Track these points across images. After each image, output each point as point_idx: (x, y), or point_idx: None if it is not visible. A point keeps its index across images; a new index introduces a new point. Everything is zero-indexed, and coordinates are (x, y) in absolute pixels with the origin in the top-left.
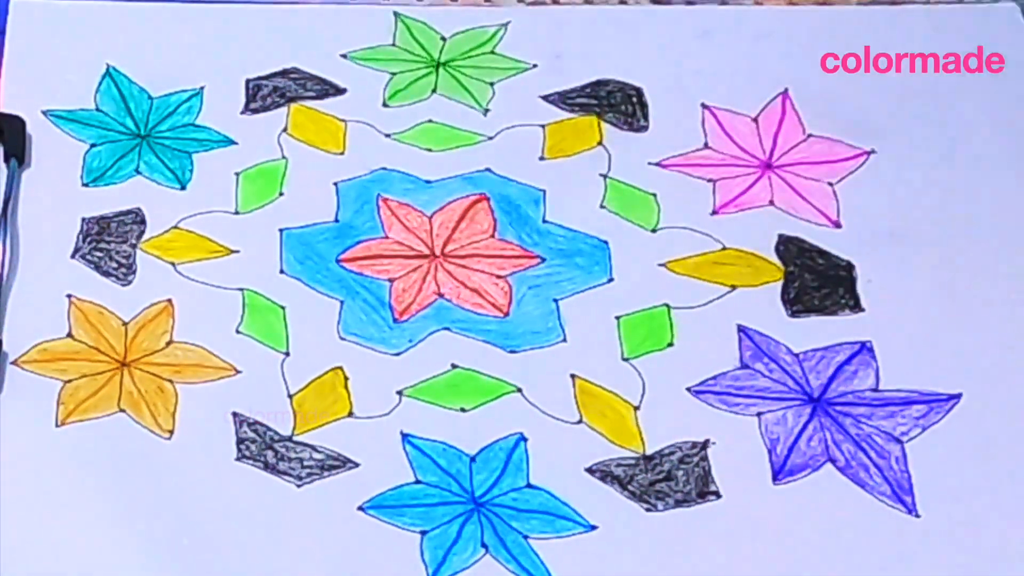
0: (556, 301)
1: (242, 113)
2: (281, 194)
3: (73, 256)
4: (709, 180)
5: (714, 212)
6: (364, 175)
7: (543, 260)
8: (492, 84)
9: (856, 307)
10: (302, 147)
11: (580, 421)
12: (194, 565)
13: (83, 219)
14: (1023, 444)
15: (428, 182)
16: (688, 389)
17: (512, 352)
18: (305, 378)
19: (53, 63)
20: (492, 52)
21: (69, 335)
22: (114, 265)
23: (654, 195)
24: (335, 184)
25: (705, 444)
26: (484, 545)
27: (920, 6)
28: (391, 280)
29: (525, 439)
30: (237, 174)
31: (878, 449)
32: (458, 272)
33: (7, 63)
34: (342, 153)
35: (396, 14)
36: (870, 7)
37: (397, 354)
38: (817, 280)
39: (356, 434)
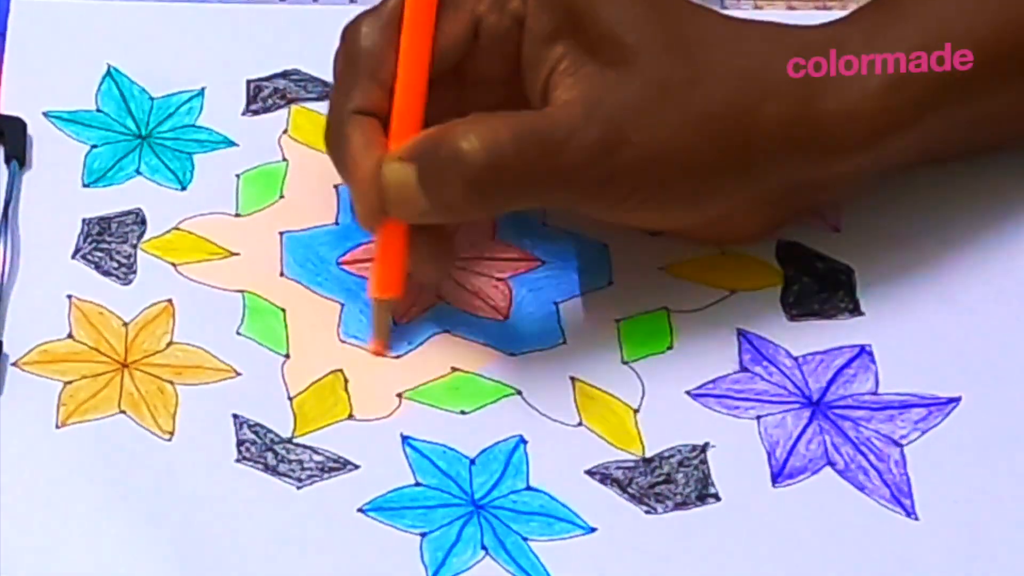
0: (556, 304)
1: (243, 114)
2: (282, 196)
3: (74, 256)
4: None
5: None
6: None
7: (543, 263)
8: None
9: (855, 311)
10: (303, 149)
11: (580, 424)
12: (194, 566)
13: (84, 220)
14: (1022, 447)
15: None
16: (688, 392)
17: (512, 355)
18: (305, 380)
19: (54, 64)
20: None
21: (70, 336)
22: (115, 265)
23: None
24: (335, 187)
25: (705, 447)
26: (484, 547)
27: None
28: None
29: (525, 441)
30: (238, 176)
31: (877, 452)
32: (458, 275)
33: (7, 64)
34: None
35: None
36: None
37: (397, 357)
38: (816, 284)
39: (356, 436)
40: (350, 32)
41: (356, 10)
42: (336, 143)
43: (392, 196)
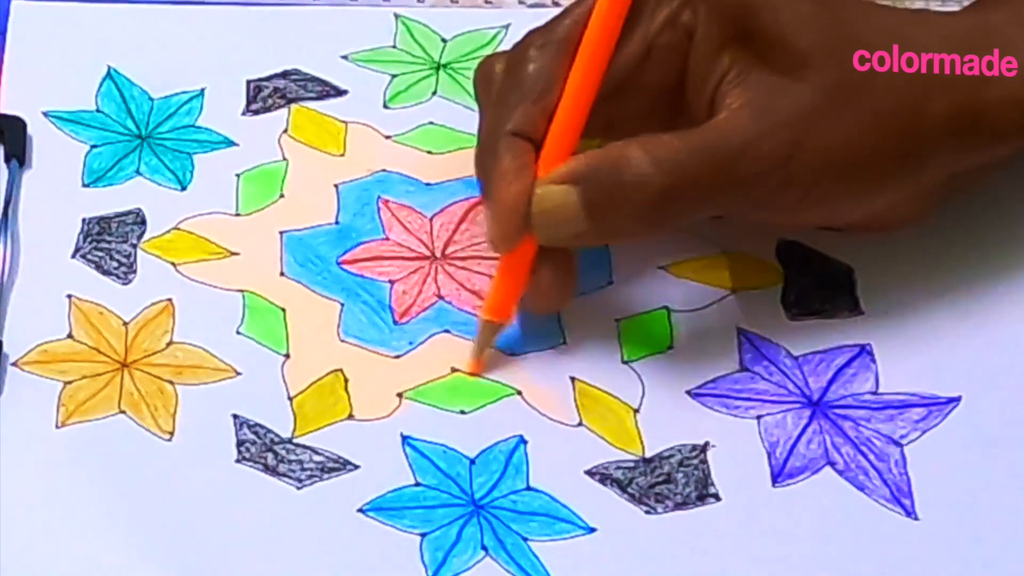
0: None
1: (243, 114)
2: (282, 196)
3: (74, 256)
4: None
5: (714, 216)
6: (364, 177)
7: None
8: None
9: (855, 310)
10: (303, 149)
11: (580, 423)
12: (194, 566)
13: (84, 220)
14: (1022, 446)
15: (428, 185)
16: (688, 392)
17: (512, 355)
18: (305, 380)
19: (54, 64)
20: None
21: (70, 336)
22: (115, 264)
23: None
24: (335, 186)
25: (705, 447)
26: (484, 547)
27: (922, 5)
28: (391, 282)
29: (525, 441)
30: (238, 175)
31: (877, 452)
32: (458, 274)
33: (8, 64)
34: (342, 155)
35: (397, 16)
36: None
37: (397, 356)
38: (817, 283)
39: (356, 436)
40: (518, 53)
41: (356, 10)
42: (485, 162)
43: (546, 219)
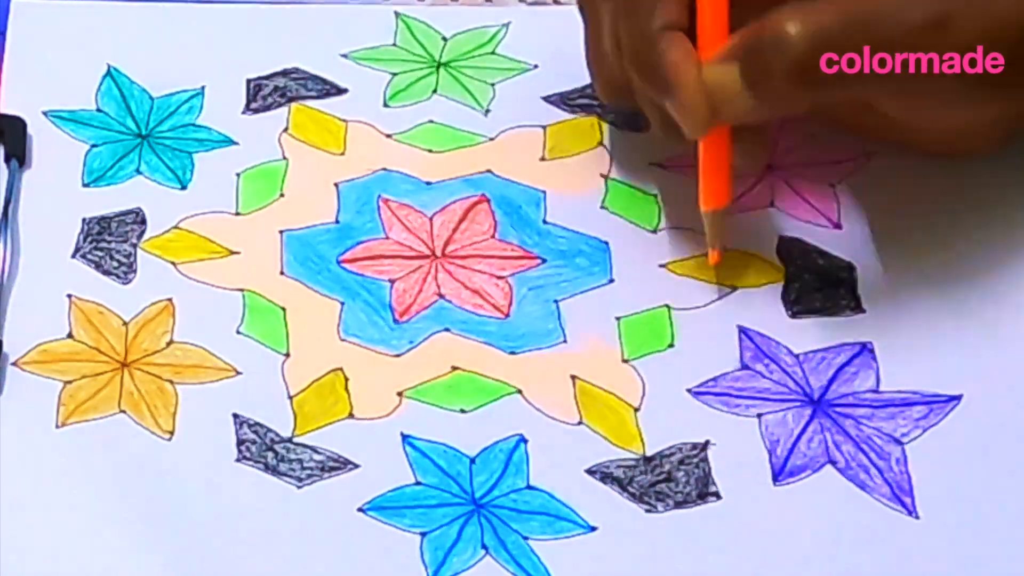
0: (556, 302)
1: (243, 113)
2: (282, 195)
3: (74, 256)
4: None
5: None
6: (365, 176)
7: (544, 261)
8: (493, 85)
9: (857, 308)
10: (303, 147)
11: (580, 422)
12: (194, 566)
13: (84, 219)
14: (1022, 445)
15: (428, 184)
16: (688, 390)
17: (512, 353)
18: (305, 379)
19: (54, 64)
20: (493, 52)
21: (70, 335)
22: (115, 264)
23: (655, 195)
24: (336, 185)
25: (705, 445)
26: (484, 546)
27: None
28: (392, 281)
29: (525, 440)
30: (238, 174)
31: (878, 450)
32: (459, 273)
33: (7, 64)
34: (343, 153)
35: (397, 14)
36: None
37: (397, 355)
38: (818, 281)
39: (356, 435)
40: None
41: (356, 8)
42: (650, 62)
43: (717, 99)
